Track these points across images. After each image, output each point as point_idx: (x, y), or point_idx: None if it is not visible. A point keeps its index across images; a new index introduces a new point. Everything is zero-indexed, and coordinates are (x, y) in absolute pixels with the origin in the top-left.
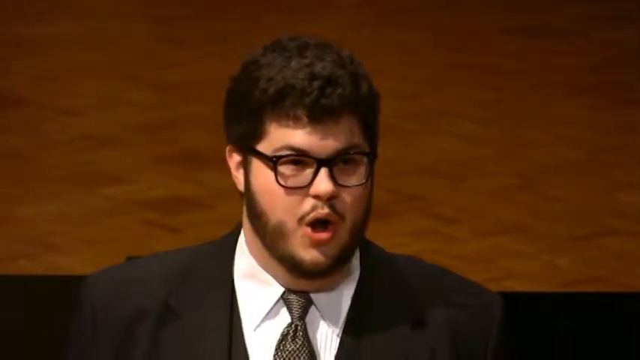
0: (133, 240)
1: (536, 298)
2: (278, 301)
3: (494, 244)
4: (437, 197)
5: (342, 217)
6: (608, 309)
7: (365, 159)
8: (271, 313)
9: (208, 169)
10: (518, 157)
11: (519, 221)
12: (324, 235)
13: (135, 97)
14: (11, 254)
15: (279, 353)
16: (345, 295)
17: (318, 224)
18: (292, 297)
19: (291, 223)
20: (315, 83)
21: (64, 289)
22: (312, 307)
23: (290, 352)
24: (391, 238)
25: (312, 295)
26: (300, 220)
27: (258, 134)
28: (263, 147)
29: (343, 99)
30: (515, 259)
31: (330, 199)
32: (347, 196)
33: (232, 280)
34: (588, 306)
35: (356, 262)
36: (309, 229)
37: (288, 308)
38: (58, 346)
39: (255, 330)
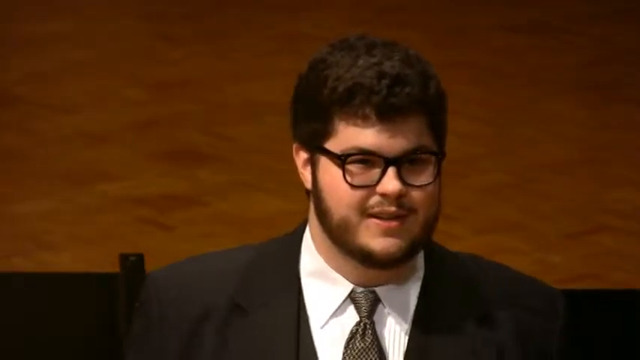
0: (127, 237)
1: None
2: (346, 299)
3: (488, 242)
4: None
5: (412, 211)
6: (602, 306)
7: (433, 158)
8: (339, 311)
9: (202, 166)
10: (512, 155)
11: (513, 219)
12: (386, 224)
13: (129, 95)
14: (5, 252)
15: (349, 351)
16: (411, 293)
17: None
18: (360, 295)
19: (355, 217)
20: (384, 82)
21: (58, 287)
22: (380, 305)
23: (359, 350)
24: None
25: (380, 293)
26: (363, 212)
27: (327, 133)
28: (331, 145)
29: (411, 98)
30: (508, 257)
31: (397, 197)
32: (416, 194)
33: (299, 279)
34: (582, 303)
35: (421, 259)
36: (375, 219)
37: (356, 306)
38: (52, 343)
39: (322, 328)
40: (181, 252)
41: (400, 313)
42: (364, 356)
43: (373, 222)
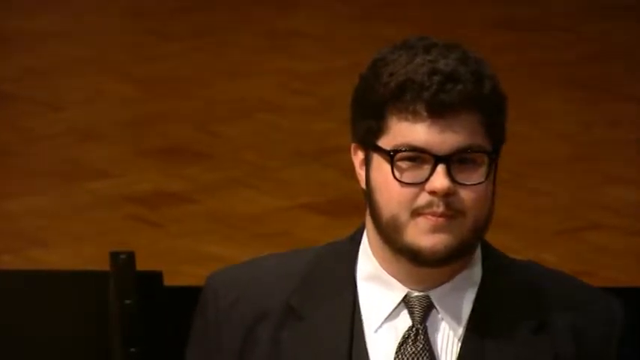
0: (117, 234)
1: None
2: (400, 303)
3: None
4: None
5: (460, 212)
6: None
7: (486, 158)
8: (392, 315)
9: (193, 163)
10: (504, 151)
11: (505, 215)
12: (440, 220)
13: (120, 92)
14: None
15: (400, 356)
16: (466, 299)
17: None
18: (414, 300)
19: (404, 216)
20: (435, 78)
21: (48, 285)
22: (434, 310)
23: (411, 355)
24: None
25: (434, 299)
26: (414, 212)
27: (380, 129)
28: (384, 142)
29: (463, 95)
30: None
31: (446, 196)
32: (465, 194)
33: (355, 282)
34: None
35: (478, 265)
36: (425, 217)
37: (409, 311)
38: (42, 342)
39: (375, 332)
40: (172, 249)
41: (454, 318)
42: None
43: (422, 219)
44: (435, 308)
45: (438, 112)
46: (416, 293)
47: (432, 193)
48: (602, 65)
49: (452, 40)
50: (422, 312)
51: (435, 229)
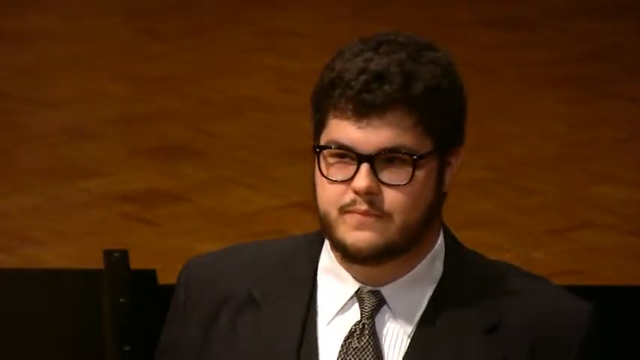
0: (111, 233)
1: None
2: (352, 297)
3: (470, 237)
4: None
5: (386, 213)
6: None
7: (411, 159)
8: (344, 309)
9: (186, 162)
10: (494, 150)
11: (495, 214)
12: (365, 217)
13: (113, 91)
14: None
15: (344, 350)
16: (421, 297)
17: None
18: (366, 295)
19: (333, 213)
20: (362, 77)
21: (42, 283)
22: (385, 307)
23: (354, 350)
24: None
25: (385, 295)
26: (341, 209)
27: (321, 124)
28: (323, 137)
29: (388, 96)
30: (491, 253)
31: (369, 195)
32: (391, 195)
33: (316, 275)
34: None
35: (439, 264)
36: (350, 214)
37: (360, 305)
38: (36, 339)
39: (328, 324)
40: (166, 248)
41: (405, 316)
42: (358, 357)
43: (348, 216)
44: (387, 304)
45: (363, 111)
46: (368, 288)
47: (355, 192)
48: (592, 64)
49: (429, 38)
50: (371, 307)
51: (359, 226)
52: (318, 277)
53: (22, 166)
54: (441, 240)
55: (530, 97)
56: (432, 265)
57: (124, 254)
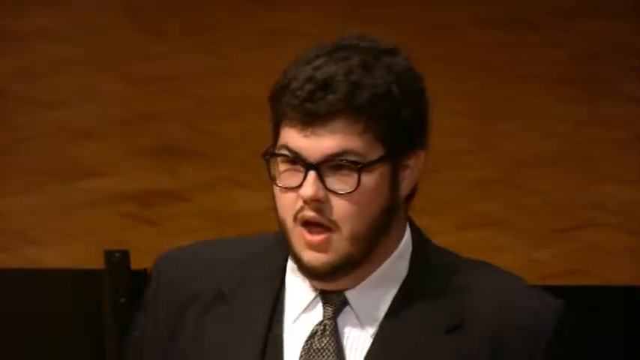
0: (111, 233)
1: None
2: (317, 296)
3: (473, 238)
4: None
5: (333, 223)
6: (587, 302)
7: (355, 167)
8: (309, 308)
9: (186, 162)
10: (496, 150)
11: (498, 214)
12: (310, 238)
13: (113, 90)
14: None
15: (306, 350)
16: (385, 297)
17: (313, 226)
18: (330, 294)
19: (289, 221)
20: (307, 86)
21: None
22: (348, 307)
23: (315, 351)
24: None
25: (349, 295)
26: (294, 218)
27: (276, 130)
28: (278, 144)
29: (332, 105)
30: (493, 253)
31: (317, 203)
32: (338, 203)
33: (284, 273)
34: (569, 299)
35: (404, 264)
36: (304, 230)
37: (324, 305)
38: (36, 340)
39: (293, 322)
40: (166, 248)
41: (368, 316)
42: (319, 356)
43: (301, 233)
44: (349, 305)
45: (307, 120)
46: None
47: (303, 200)
48: (594, 64)
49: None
50: (335, 308)
51: (311, 247)
52: (286, 276)
53: (22, 165)
54: (406, 240)
55: (532, 97)
56: (395, 266)
57: (125, 254)
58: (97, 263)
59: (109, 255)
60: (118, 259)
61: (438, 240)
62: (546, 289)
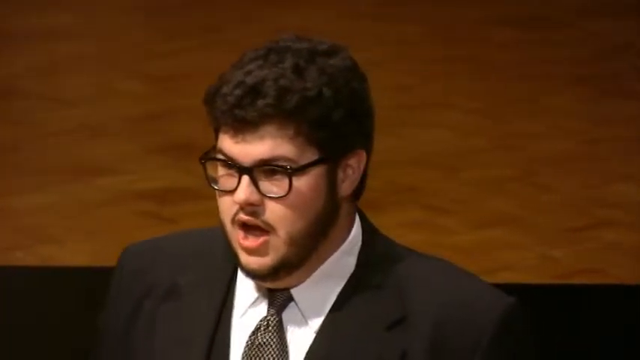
0: (128, 231)
1: (531, 290)
2: (264, 292)
3: (489, 236)
4: (431, 188)
5: (270, 226)
6: (603, 301)
7: (287, 172)
8: (256, 303)
9: None
10: (513, 149)
11: (514, 213)
12: (247, 243)
13: (129, 88)
14: (6, 246)
15: (248, 345)
16: (329, 293)
17: (249, 230)
18: (274, 291)
19: (228, 224)
20: (237, 92)
21: (60, 281)
22: (292, 303)
23: (258, 346)
24: (385, 229)
25: (293, 292)
26: (232, 221)
27: (215, 132)
28: (216, 148)
29: (260, 111)
30: (510, 251)
31: (250, 207)
32: (273, 207)
33: (237, 267)
34: (583, 298)
35: (351, 259)
36: (241, 234)
37: (269, 301)
38: (53, 337)
39: (241, 317)
40: None
41: (313, 311)
42: (261, 352)
43: (239, 236)
44: (294, 301)
45: (237, 126)
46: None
47: (236, 203)
48: (611, 62)
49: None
50: (279, 303)
51: (247, 251)
52: (238, 270)
53: (38, 164)
54: (353, 236)
55: (549, 96)
56: (341, 262)
57: None
58: (114, 261)
59: None
60: None
61: (455, 238)
62: (563, 287)
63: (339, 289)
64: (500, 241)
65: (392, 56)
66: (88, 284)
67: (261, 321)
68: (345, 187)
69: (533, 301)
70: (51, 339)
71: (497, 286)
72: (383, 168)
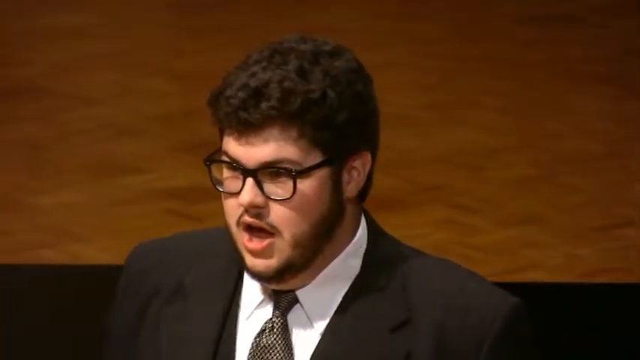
0: (154, 229)
1: (556, 288)
2: (269, 294)
3: (515, 235)
4: (457, 187)
5: (274, 228)
6: (628, 299)
7: (290, 174)
8: (262, 305)
9: None
10: (538, 148)
11: (539, 212)
12: (252, 245)
13: (153, 87)
14: (33, 244)
15: (254, 347)
16: (335, 295)
17: (254, 232)
18: (279, 293)
19: (233, 226)
20: (240, 94)
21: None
22: (298, 305)
23: (263, 348)
24: (411, 228)
25: (298, 294)
26: (237, 223)
27: (220, 134)
28: (221, 150)
29: (264, 113)
30: (535, 250)
31: (255, 209)
32: (277, 209)
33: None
34: (609, 296)
35: (357, 261)
36: (246, 236)
37: (274, 303)
38: (81, 334)
39: (247, 319)
40: None
41: (318, 314)
42: (266, 354)
43: (244, 238)
44: (299, 303)
45: (241, 128)
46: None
47: (241, 205)
48: (635, 61)
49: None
50: (285, 305)
51: (253, 254)
52: (245, 271)
53: (63, 162)
54: (359, 237)
55: (573, 95)
56: (347, 264)
57: None
58: None
59: None
60: None
61: (481, 238)
62: (588, 286)
63: (344, 290)
64: (525, 239)
65: (416, 55)
66: (115, 282)
67: (266, 323)
68: (350, 189)
69: (558, 300)
70: (78, 336)
71: (522, 284)
72: (408, 167)
